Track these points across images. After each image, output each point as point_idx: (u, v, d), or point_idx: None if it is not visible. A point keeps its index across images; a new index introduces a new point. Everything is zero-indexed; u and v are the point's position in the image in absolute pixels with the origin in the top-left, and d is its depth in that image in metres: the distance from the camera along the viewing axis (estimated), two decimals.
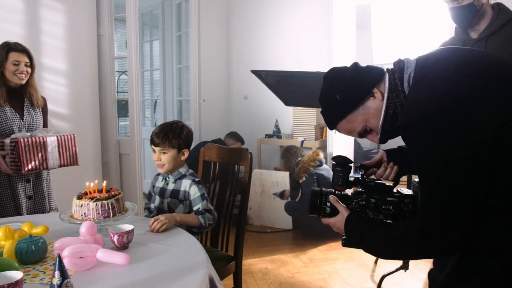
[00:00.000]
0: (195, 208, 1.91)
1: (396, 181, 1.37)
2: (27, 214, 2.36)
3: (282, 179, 4.03)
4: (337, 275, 3.03)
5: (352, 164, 1.37)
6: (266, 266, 3.19)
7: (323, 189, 1.33)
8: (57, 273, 1.00)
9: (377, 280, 2.83)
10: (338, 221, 1.28)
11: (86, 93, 3.74)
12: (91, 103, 3.79)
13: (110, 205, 1.58)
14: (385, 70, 1.21)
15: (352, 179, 1.34)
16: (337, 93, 1.21)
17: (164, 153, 1.93)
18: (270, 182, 4.08)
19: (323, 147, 4.34)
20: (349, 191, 1.38)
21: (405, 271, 2.83)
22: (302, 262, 3.28)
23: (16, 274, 1.09)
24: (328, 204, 1.30)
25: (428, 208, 1.06)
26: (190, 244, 1.50)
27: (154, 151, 1.97)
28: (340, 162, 1.33)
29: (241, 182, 2.18)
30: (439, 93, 1.06)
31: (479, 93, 1.03)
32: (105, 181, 1.71)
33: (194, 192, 1.93)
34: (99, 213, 1.57)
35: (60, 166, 2.39)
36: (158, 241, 1.53)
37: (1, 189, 2.33)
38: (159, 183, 2.06)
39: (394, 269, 2.82)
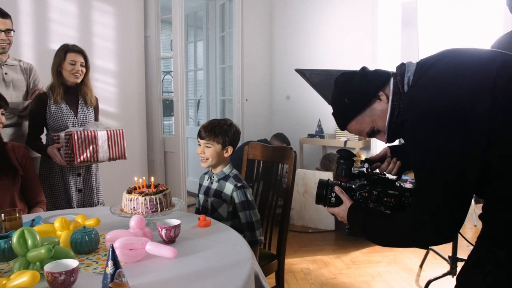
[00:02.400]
0: (240, 215, 1.94)
1: (399, 176, 1.42)
2: (77, 206, 2.49)
3: None
4: (380, 278, 2.97)
5: (355, 158, 1.44)
6: (307, 266, 3.18)
7: (329, 180, 1.41)
8: (110, 263, 1.04)
9: (422, 285, 2.74)
10: (341, 211, 1.36)
11: (133, 93, 3.87)
12: (138, 102, 3.92)
13: (158, 200, 1.62)
14: (391, 74, 1.28)
15: (357, 172, 1.41)
16: (345, 97, 1.31)
17: (208, 146, 1.94)
18: (314, 182, 4.03)
19: (367, 147, 4.26)
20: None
21: (452, 277, 2.73)
22: (344, 263, 3.23)
23: (72, 262, 1.15)
24: (334, 194, 1.39)
25: (421, 202, 1.13)
26: (236, 241, 1.52)
27: (200, 144, 1.98)
28: (344, 155, 1.41)
29: (285, 181, 2.18)
30: (434, 93, 1.12)
31: (473, 94, 1.06)
32: (152, 177, 1.76)
33: (237, 198, 1.94)
34: (147, 208, 1.61)
35: (109, 159, 2.49)
36: (204, 237, 1.56)
37: (54, 182, 2.47)
38: (205, 182, 2.08)
39: (441, 274, 2.73)
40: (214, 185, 2.01)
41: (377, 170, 1.45)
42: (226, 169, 2.00)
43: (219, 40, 5.10)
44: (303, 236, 3.86)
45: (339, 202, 1.38)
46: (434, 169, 1.10)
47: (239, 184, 1.95)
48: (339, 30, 4.51)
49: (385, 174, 1.39)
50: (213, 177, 2.02)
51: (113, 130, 2.50)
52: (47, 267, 1.11)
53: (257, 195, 2.26)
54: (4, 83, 2.44)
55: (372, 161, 1.45)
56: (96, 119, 2.65)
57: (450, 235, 1.11)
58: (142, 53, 3.94)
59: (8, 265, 1.30)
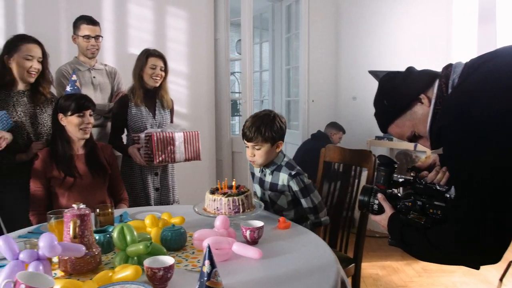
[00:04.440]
0: (302, 202, 1.91)
1: (449, 187, 1.30)
2: (154, 204, 2.60)
3: None
4: None
5: (396, 165, 1.37)
6: (376, 272, 3.10)
7: (374, 186, 1.36)
8: (207, 262, 1.08)
9: None
10: (383, 219, 1.31)
11: (203, 94, 3.99)
12: (208, 103, 4.03)
13: (240, 201, 1.66)
14: (438, 75, 1.20)
15: (402, 180, 1.35)
16: (385, 99, 1.26)
17: (257, 148, 1.86)
18: None
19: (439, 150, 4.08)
20: None
21: None
22: (415, 271, 3.12)
23: (169, 259, 1.20)
24: (376, 201, 1.34)
25: (459, 215, 1.05)
26: (317, 243, 1.52)
27: (247, 146, 1.89)
28: (384, 162, 1.35)
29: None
30: (471, 98, 1.04)
31: (510, 102, 0.98)
32: (234, 179, 1.80)
33: (294, 186, 1.88)
34: (230, 208, 1.66)
35: (185, 160, 2.58)
36: (285, 239, 1.57)
37: (134, 181, 2.60)
38: (257, 172, 2.02)
39: None
40: (268, 178, 1.96)
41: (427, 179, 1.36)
42: (277, 160, 1.93)
43: (285, 42, 5.12)
44: (370, 240, 3.78)
45: (381, 209, 1.33)
46: (469, 180, 1.02)
47: (293, 172, 1.88)
48: (411, 28, 4.36)
49: (435, 184, 1.29)
50: (264, 169, 1.96)
51: (189, 132, 2.58)
52: (147, 262, 1.17)
53: (333, 198, 2.24)
54: (92, 86, 2.61)
55: (419, 169, 1.37)
56: (171, 121, 2.76)
57: (493, 252, 1.01)
58: (212, 55, 4.05)
59: (107, 258, 1.40)
